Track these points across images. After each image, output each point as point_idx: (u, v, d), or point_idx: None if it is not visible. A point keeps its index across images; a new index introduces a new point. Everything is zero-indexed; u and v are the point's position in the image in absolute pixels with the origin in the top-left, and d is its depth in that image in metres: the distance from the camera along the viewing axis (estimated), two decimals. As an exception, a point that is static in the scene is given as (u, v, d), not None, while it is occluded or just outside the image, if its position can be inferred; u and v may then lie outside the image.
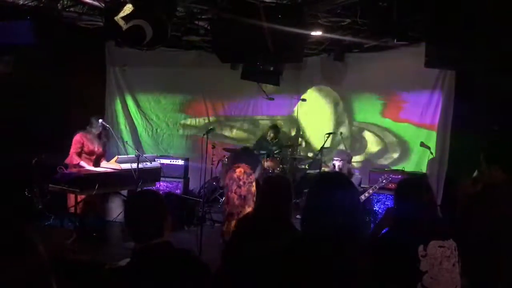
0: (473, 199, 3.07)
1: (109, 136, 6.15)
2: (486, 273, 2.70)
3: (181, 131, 8.57)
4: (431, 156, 6.53)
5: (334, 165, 5.43)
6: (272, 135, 7.90)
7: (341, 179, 2.11)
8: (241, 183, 6.11)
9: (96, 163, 5.95)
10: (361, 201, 4.95)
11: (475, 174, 3.79)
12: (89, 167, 5.69)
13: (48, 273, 1.53)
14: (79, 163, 5.67)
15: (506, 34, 4.39)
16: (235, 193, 5.76)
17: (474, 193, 3.12)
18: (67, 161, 5.73)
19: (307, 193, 2.12)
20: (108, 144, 6.67)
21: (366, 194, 5.03)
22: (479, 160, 4.84)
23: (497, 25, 4.36)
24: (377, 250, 2.19)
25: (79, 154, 5.76)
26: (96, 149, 5.87)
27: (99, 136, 5.91)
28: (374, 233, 2.50)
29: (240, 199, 5.05)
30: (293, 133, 8.78)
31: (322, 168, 6.99)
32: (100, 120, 5.89)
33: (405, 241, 2.21)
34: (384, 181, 5.01)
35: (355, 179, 5.21)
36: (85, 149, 5.78)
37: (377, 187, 5.09)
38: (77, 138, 5.75)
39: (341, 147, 7.74)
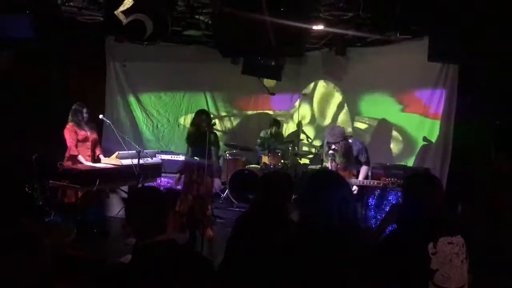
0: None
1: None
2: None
3: (182, 127, 8.54)
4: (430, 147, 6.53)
5: (330, 161, 4.91)
6: (274, 129, 7.89)
7: (329, 177, 2.12)
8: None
9: (93, 150, 5.90)
10: (355, 187, 4.79)
11: None
12: (86, 162, 5.65)
13: (50, 270, 1.52)
14: (77, 155, 5.63)
15: (506, 29, 4.35)
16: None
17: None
18: (67, 154, 5.69)
19: (300, 193, 2.12)
20: (106, 139, 6.65)
21: (359, 183, 4.82)
22: (482, 154, 4.82)
23: (498, 20, 4.33)
24: (385, 247, 2.16)
25: (76, 145, 5.71)
26: (88, 134, 5.82)
27: (87, 122, 5.82)
28: (379, 229, 2.46)
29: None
30: (294, 128, 8.75)
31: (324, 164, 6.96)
32: (101, 116, 5.86)
33: (414, 238, 2.18)
34: (389, 183, 4.83)
35: (356, 150, 4.88)
36: (78, 137, 5.74)
37: (375, 183, 4.87)
38: (68, 130, 5.68)
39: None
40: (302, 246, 1.93)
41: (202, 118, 5.43)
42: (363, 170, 5.03)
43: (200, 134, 5.30)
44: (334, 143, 4.83)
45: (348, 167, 4.93)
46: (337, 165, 4.95)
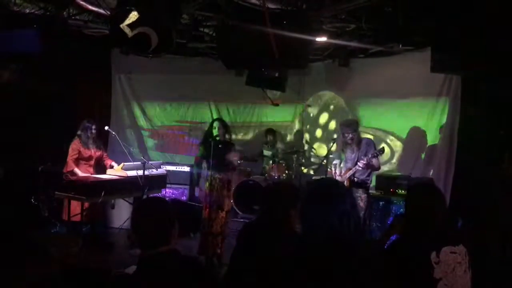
0: None
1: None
2: None
3: (186, 138, 8.58)
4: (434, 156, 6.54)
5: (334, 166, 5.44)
6: (270, 139, 7.95)
7: (329, 189, 2.08)
8: None
9: (98, 167, 5.95)
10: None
11: None
12: (82, 174, 5.67)
13: (57, 280, 1.55)
14: (73, 169, 5.66)
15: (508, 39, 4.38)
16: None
17: None
18: (65, 169, 5.72)
19: (301, 205, 2.13)
20: (112, 151, 6.70)
21: (364, 162, 5.01)
22: (486, 163, 4.80)
23: (501, 30, 4.35)
24: (387, 258, 2.17)
25: (76, 161, 5.76)
26: (93, 153, 5.87)
27: (94, 140, 5.90)
28: (381, 240, 2.46)
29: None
30: (297, 139, 8.76)
31: (328, 174, 6.97)
32: (106, 127, 5.92)
33: (417, 248, 2.18)
34: (376, 153, 5.04)
35: (366, 143, 5.20)
36: (83, 155, 5.78)
37: (370, 156, 5.03)
38: (74, 146, 5.75)
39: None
40: (304, 258, 1.93)
41: (219, 127, 5.17)
42: (374, 163, 5.16)
43: (218, 144, 5.14)
44: (351, 133, 5.14)
45: (360, 158, 5.12)
46: (342, 171, 5.27)
